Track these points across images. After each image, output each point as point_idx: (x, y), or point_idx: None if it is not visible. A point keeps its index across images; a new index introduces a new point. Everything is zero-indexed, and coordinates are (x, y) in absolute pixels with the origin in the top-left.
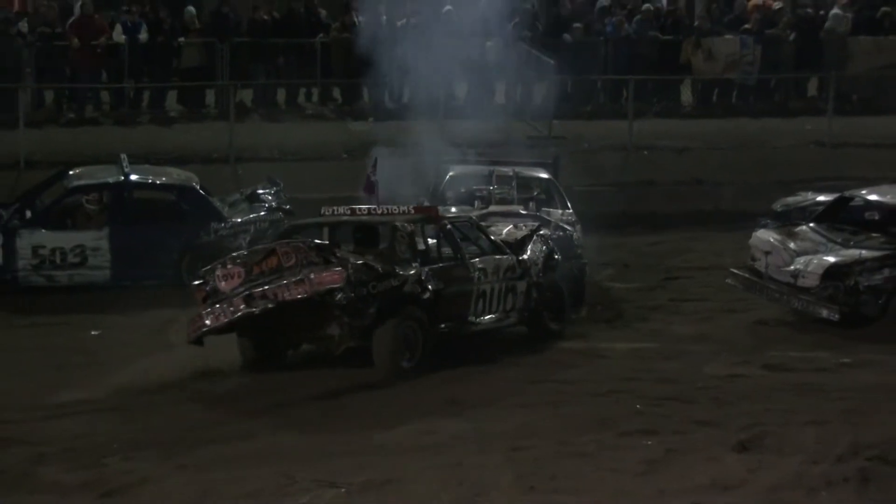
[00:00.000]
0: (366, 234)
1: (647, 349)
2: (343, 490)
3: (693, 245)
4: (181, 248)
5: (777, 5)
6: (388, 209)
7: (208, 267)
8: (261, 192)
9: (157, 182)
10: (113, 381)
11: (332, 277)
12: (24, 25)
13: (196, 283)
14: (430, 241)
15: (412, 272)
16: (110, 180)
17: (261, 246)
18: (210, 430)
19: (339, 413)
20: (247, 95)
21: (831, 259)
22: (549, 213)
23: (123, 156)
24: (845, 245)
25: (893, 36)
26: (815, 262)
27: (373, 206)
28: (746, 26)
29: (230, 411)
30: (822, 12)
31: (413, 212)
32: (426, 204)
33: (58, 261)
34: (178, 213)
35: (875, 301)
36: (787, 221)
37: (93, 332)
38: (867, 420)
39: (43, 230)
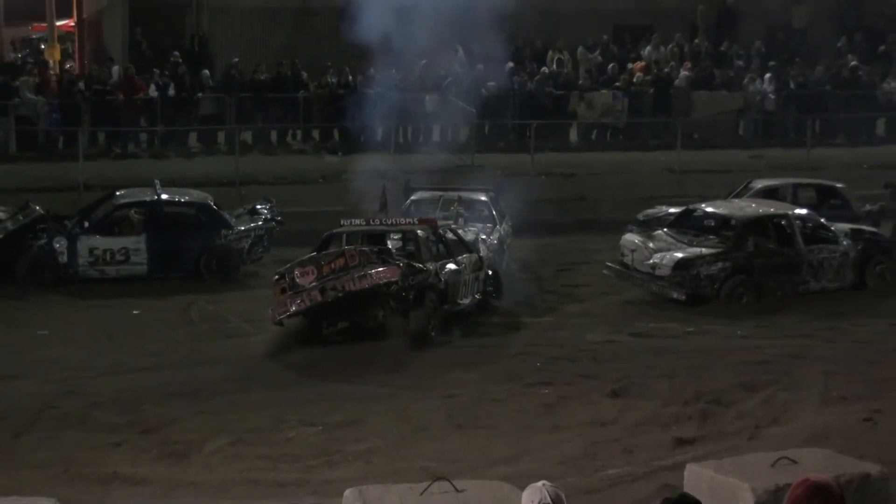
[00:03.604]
0: (381, 240)
1: (545, 322)
2: (320, 428)
3: (578, 246)
4: (200, 249)
5: (639, 75)
6: (398, 221)
7: (286, 267)
8: (259, 207)
9: (182, 200)
10: (149, 348)
11: (390, 273)
12: (82, 84)
13: (275, 278)
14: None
15: (432, 268)
16: (147, 199)
17: (330, 250)
18: (222, 385)
19: (317, 373)
20: (248, 136)
21: (680, 255)
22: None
23: (157, 181)
24: (690, 245)
25: (723, 91)
26: (668, 257)
27: (385, 219)
28: (617, 84)
29: (238, 370)
30: (666, 70)
31: (417, 223)
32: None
33: (108, 259)
34: (197, 223)
35: (712, 286)
36: (647, 228)
37: (134, 312)
38: (706, 374)
39: (97, 236)
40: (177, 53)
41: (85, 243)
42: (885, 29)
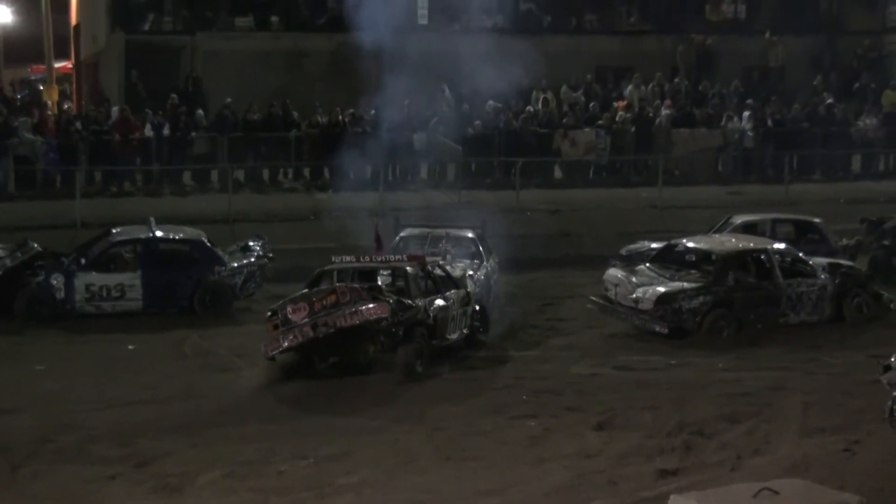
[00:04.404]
0: (371, 276)
1: (531, 356)
2: (311, 460)
3: (563, 280)
4: (193, 285)
5: (621, 114)
6: (388, 257)
7: (278, 303)
8: (251, 244)
9: (176, 237)
10: (144, 382)
11: (380, 309)
12: (79, 124)
13: (268, 314)
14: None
15: (421, 304)
16: (142, 236)
17: (322, 287)
18: (215, 418)
19: (308, 406)
20: (241, 174)
21: (662, 289)
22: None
23: (152, 218)
24: (672, 279)
25: (703, 128)
26: (651, 291)
27: (377, 256)
28: (600, 122)
29: (230, 403)
30: (648, 109)
31: (406, 259)
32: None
33: (104, 295)
34: (191, 260)
35: (693, 319)
36: (630, 262)
37: (129, 347)
38: (689, 405)
39: (93, 272)
40: (174, 95)
41: (82, 280)
42: (859, 68)
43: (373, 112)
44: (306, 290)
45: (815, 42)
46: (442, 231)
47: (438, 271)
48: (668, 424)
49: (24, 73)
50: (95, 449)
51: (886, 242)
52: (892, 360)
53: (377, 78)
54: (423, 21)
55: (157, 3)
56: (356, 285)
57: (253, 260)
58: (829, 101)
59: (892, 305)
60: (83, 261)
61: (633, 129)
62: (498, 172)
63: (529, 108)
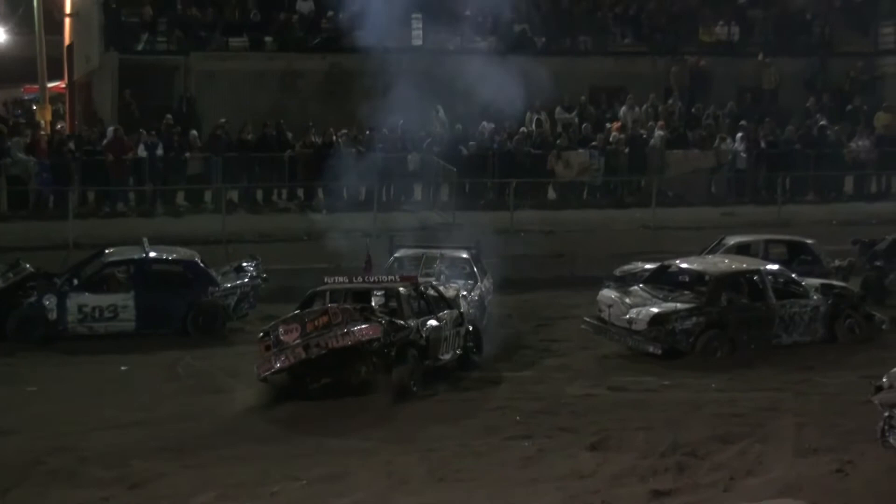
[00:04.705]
0: (364, 297)
1: (525, 376)
2: (304, 482)
3: (557, 301)
4: (186, 306)
5: (616, 135)
6: (380, 278)
7: (270, 325)
8: (245, 264)
9: (169, 257)
10: (137, 404)
11: (373, 330)
12: (73, 144)
13: (260, 335)
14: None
15: (413, 324)
16: (135, 257)
17: (314, 308)
18: (208, 439)
19: (301, 427)
20: (235, 194)
21: (655, 310)
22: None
23: (145, 239)
24: (665, 300)
25: (696, 150)
26: (644, 312)
27: (368, 277)
28: (593, 143)
29: (223, 424)
30: (644, 134)
31: (399, 280)
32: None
33: (96, 315)
34: (185, 280)
35: (686, 340)
36: (623, 283)
37: (122, 368)
38: (682, 426)
39: (86, 293)
40: (169, 116)
41: (74, 300)
42: (852, 90)
43: (367, 132)
44: (298, 311)
45: (808, 64)
46: (436, 251)
47: (431, 292)
48: (662, 445)
49: (18, 93)
50: (88, 471)
51: (878, 263)
52: (885, 380)
53: (371, 98)
54: (418, 42)
55: (150, 23)
56: (348, 306)
57: (246, 280)
58: (822, 122)
59: (883, 326)
60: (76, 281)
61: (626, 150)
62: (492, 193)
63: (523, 128)
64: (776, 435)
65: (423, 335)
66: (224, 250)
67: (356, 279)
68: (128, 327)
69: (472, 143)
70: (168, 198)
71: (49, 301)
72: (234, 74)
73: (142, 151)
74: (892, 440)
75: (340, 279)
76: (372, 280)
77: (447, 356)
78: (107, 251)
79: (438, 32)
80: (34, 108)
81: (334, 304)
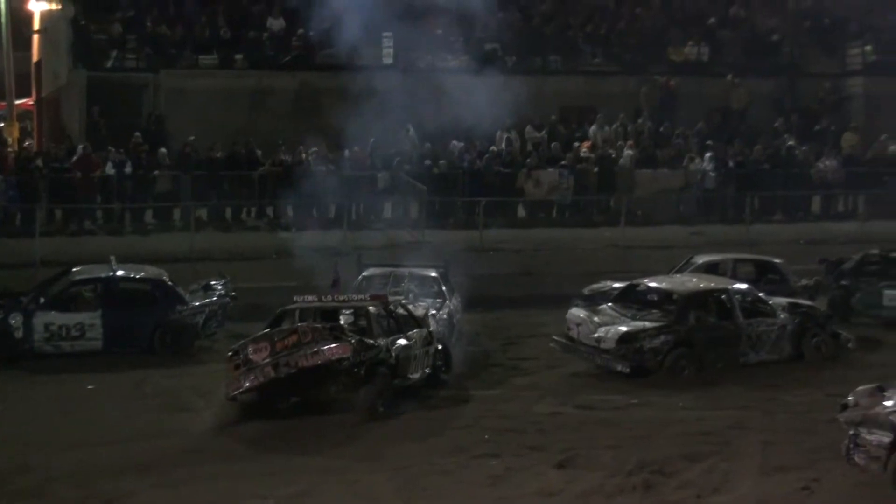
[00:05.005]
0: (334, 316)
1: (493, 395)
2: (272, 501)
3: (525, 320)
4: (154, 324)
5: (584, 152)
6: (350, 297)
7: (239, 344)
8: (213, 283)
9: (137, 276)
10: (104, 423)
11: (342, 349)
12: (40, 161)
13: (229, 354)
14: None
15: (383, 343)
16: (102, 275)
17: (284, 327)
18: (176, 458)
19: (269, 446)
20: (204, 212)
21: (624, 329)
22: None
23: (112, 257)
24: (634, 318)
25: (665, 169)
26: (613, 330)
27: (336, 295)
28: (563, 162)
29: (191, 443)
30: (613, 153)
31: (368, 299)
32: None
33: (63, 334)
34: (152, 299)
35: (655, 358)
36: (592, 302)
37: (89, 387)
38: (649, 444)
39: (53, 312)
40: (138, 134)
41: (41, 319)
42: (820, 110)
43: (337, 150)
44: (268, 330)
45: (777, 85)
46: (405, 270)
47: (401, 311)
48: (629, 463)
49: None
50: (55, 490)
51: (845, 283)
52: (850, 398)
53: (341, 117)
54: (389, 60)
55: (120, 40)
56: (318, 325)
57: (215, 299)
58: (790, 142)
59: (850, 345)
60: (42, 300)
61: (595, 169)
62: (462, 212)
63: (493, 147)
64: (743, 453)
65: (393, 354)
66: (192, 269)
67: (325, 298)
68: (95, 346)
69: (442, 161)
70: (136, 216)
71: (15, 319)
72: (204, 92)
73: (110, 169)
74: (857, 458)
75: (310, 298)
76: (342, 299)
77: (416, 375)
78: (74, 269)
79: (409, 51)
80: (1, 125)
81: (304, 323)
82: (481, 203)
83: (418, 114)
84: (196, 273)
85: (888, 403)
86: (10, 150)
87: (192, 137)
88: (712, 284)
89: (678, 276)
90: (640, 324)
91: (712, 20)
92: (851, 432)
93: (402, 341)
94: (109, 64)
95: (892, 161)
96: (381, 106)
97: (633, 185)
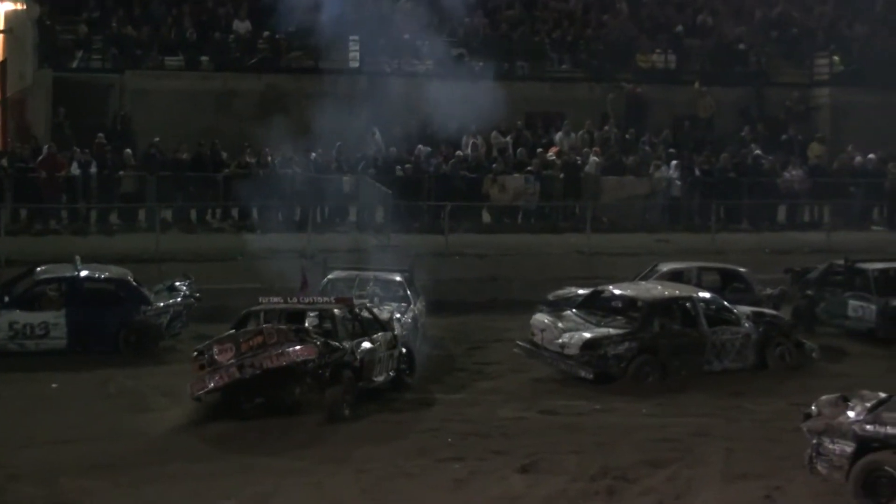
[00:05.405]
0: (299, 318)
1: (457, 399)
2: (235, 501)
3: (490, 325)
4: (118, 324)
5: (552, 156)
6: (315, 299)
7: (204, 344)
8: (178, 283)
9: (101, 276)
10: (68, 421)
11: (307, 351)
12: (5, 161)
13: (194, 355)
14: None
15: (348, 346)
16: (67, 274)
17: (249, 328)
18: (139, 458)
19: (233, 446)
20: (169, 213)
21: (588, 335)
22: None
23: (77, 257)
24: (598, 325)
25: (631, 176)
26: (577, 336)
27: (303, 297)
28: (529, 168)
29: (155, 443)
30: (580, 159)
31: (334, 302)
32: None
33: (28, 333)
34: (117, 299)
35: (619, 365)
36: (557, 308)
37: (53, 385)
38: (613, 450)
39: (17, 310)
40: (101, 135)
41: (5, 318)
42: (787, 120)
43: (303, 153)
44: (233, 331)
45: (744, 94)
46: (370, 274)
47: (366, 314)
48: (592, 468)
49: None
50: (17, 488)
51: (810, 292)
52: (813, 408)
53: (307, 119)
54: (355, 64)
55: (85, 40)
56: (283, 326)
57: (179, 300)
58: (757, 151)
59: (814, 354)
60: (6, 299)
61: (561, 175)
62: (427, 216)
63: (459, 152)
64: (706, 460)
65: (358, 357)
66: (157, 269)
67: (291, 300)
68: (59, 345)
69: (407, 165)
70: (101, 216)
71: None
72: (170, 93)
73: (75, 169)
74: (819, 467)
75: (275, 299)
76: (307, 301)
77: (381, 378)
78: (38, 269)
79: (376, 55)
80: None
81: (269, 325)
82: (447, 207)
83: (384, 117)
84: (161, 274)
85: (851, 413)
86: None
87: (157, 139)
88: (677, 292)
89: (643, 283)
90: (604, 330)
91: (679, 28)
92: (814, 441)
93: (367, 344)
94: (75, 64)
95: (858, 172)
96: (347, 109)
97: (599, 191)
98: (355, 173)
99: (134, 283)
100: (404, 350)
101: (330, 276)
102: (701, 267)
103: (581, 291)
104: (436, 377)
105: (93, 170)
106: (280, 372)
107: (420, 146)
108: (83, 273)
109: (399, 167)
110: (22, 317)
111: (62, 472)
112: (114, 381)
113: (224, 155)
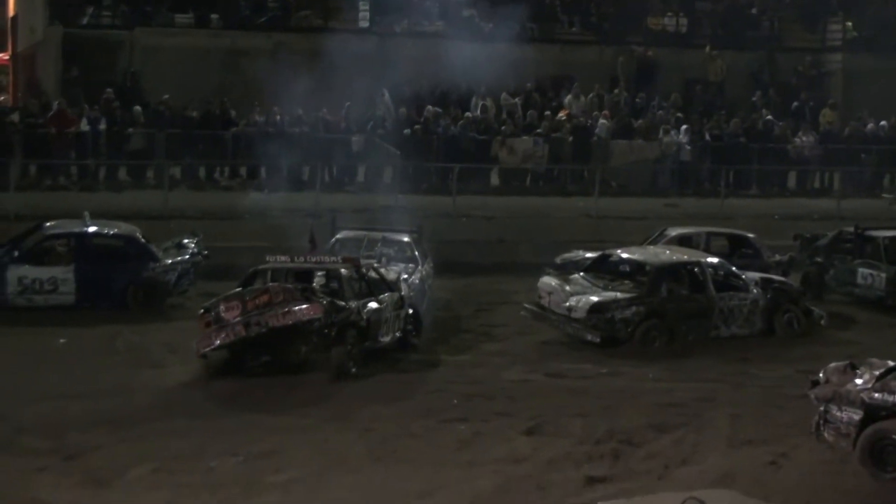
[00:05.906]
0: (306, 277)
1: (463, 360)
2: (241, 458)
3: (497, 287)
4: (126, 280)
5: (562, 116)
6: (322, 259)
7: (211, 301)
8: (186, 241)
9: (110, 232)
10: (75, 376)
11: (313, 310)
12: (15, 116)
13: (201, 312)
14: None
15: (354, 305)
16: (76, 230)
17: (255, 286)
18: (146, 413)
19: (239, 404)
20: (177, 171)
21: (595, 298)
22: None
23: (86, 213)
24: (605, 289)
25: (641, 140)
26: (584, 300)
27: (311, 256)
28: (538, 130)
29: (161, 399)
30: (589, 122)
31: (341, 261)
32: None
33: (37, 288)
34: (125, 255)
35: (625, 329)
36: (564, 271)
37: (61, 341)
38: (618, 414)
39: (26, 265)
40: (110, 90)
41: (14, 272)
42: (798, 85)
43: (311, 112)
44: (240, 289)
45: (756, 58)
46: (378, 234)
47: (373, 274)
48: (598, 432)
49: None
50: (24, 441)
51: (819, 259)
52: (821, 375)
53: (316, 79)
54: (365, 24)
55: None
56: (290, 285)
57: (187, 257)
58: (768, 117)
59: (822, 321)
60: (16, 253)
61: (570, 138)
62: (435, 177)
63: (468, 114)
64: (711, 425)
65: (364, 317)
66: (165, 226)
67: (298, 259)
68: (68, 300)
69: (416, 126)
70: (110, 173)
71: None
72: (179, 51)
73: (85, 125)
74: (826, 434)
75: (282, 258)
76: (314, 260)
77: (387, 338)
78: (47, 224)
79: (386, 15)
80: None
81: (276, 283)
82: (455, 169)
83: (393, 78)
84: (169, 231)
85: (859, 381)
86: None
87: (166, 96)
88: (685, 257)
89: (651, 247)
90: (611, 294)
91: None
92: (821, 409)
93: (374, 304)
94: (85, 20)
95: (869, 139)
96: (357, 69)
97: (608, 155)
98: (364, 133)
99: (142, 239)
100: (411, 311)
101: (338, 236)
102: (710, 232)
103: (589, 255)
104: (442, 338)
105: (102, 126)
106: (286, 330)
107: (429, 107)
108: (92, 229)
109: (408, 128)
110: (31, 272)
111: (70, 426)
112: (121, 336)
113: (233, 113)
